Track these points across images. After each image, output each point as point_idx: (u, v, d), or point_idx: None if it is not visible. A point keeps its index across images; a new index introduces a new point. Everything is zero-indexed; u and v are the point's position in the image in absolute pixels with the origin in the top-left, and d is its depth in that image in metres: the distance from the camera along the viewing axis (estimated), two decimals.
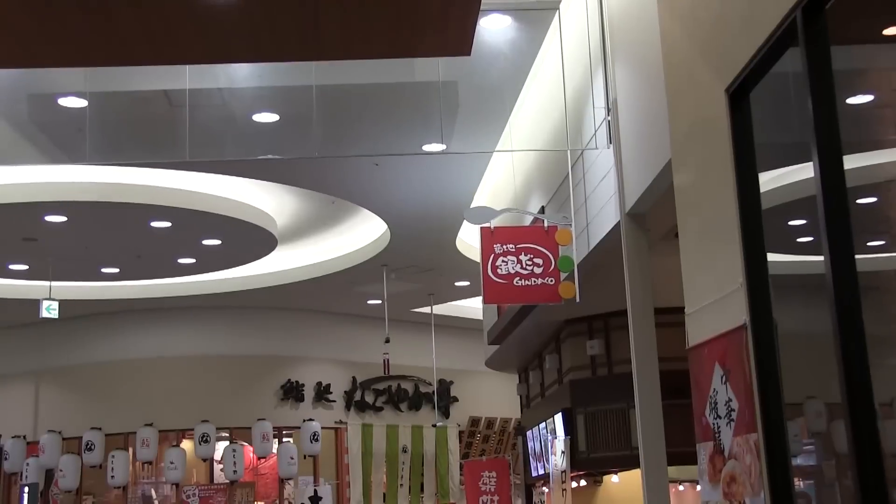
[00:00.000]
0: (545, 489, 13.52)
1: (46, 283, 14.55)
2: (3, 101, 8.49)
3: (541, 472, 13.53)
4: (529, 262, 8.60)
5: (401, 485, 19.08)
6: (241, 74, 8.15)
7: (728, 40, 4.32)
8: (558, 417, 12.25)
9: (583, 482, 13.61)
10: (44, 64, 6.71)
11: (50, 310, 14.12)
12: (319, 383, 18.56)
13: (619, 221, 7.37)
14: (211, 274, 15.91)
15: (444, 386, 19.86)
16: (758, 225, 4.17)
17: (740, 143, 4.26)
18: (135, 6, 5.36)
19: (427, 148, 9.24)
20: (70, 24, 5.54)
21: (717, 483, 4.38)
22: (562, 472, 12.02)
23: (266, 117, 8.76)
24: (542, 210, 9.59)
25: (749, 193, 4.19)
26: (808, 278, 4.05)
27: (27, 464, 17.13)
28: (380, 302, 16.37)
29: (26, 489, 16.79)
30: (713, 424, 4.43)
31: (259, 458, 17.84)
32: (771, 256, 4.13)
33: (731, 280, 4.25)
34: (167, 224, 12.68)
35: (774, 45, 3.88)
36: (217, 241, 13.64)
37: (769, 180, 4.19)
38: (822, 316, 3.52)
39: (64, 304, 14.76)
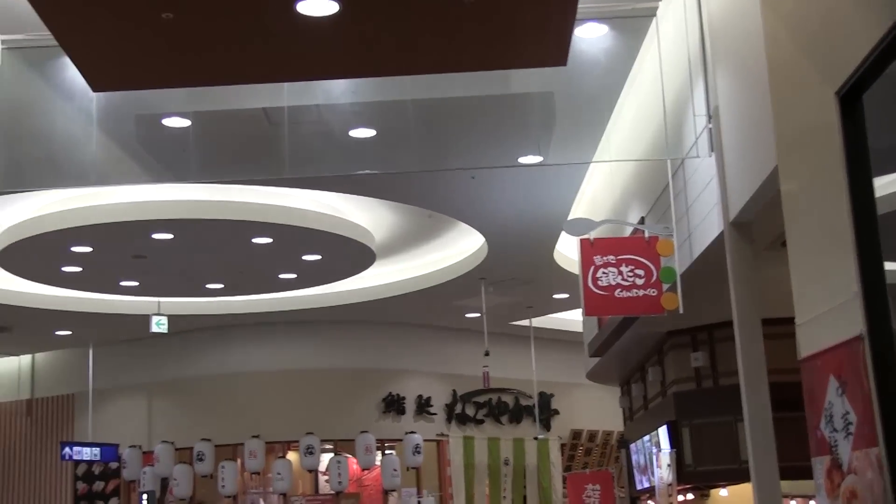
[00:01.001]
0: (650, 502, 13.33)
1: (156, 300, 14.86)
2: (112, 123, 8.67)
3: (646, 485, 13.34)
4: (630, 274, 8.50)
5: (504, 497, 19.01)
6: (337, 90, 8.20)
7: (838, 40, 4.19)
8: (662, 430, 12.06)
9: (689, 496, 13.38)
10: (149, 85, 6.85)
11: (160, 325, 14.44)
12: (420, 396, 18.61)
13: (722, 231, 7.23)
14: (312, 289, 16.07)
15: (545, 399, 19.74)
16: (873, 231, 4.02)
17: (853, 148, 4.12)
18: (235, 27, 5.44)
19: (524, 160, 9.19)
20: (173, 46, 5.65)
21: (835, 498, 4.24)
22: (668, 485, 11.83)
23: (363, 133, 8.81)
24: (642, 220, 9.46)
25: (863, 199, 4.05)
26: None
27: (144, 472, 17.71)
28: (478, 315, 16.34)
29: (144, 496, 17.40)
30: (829, 438, 4.30)
31: (363, 470, 17.96)
32: (888, 265, 3.99)
33: (845, 289, 4.11)
34: (268, 240, 12.84)
35: (890, 44, 3.73)
36: (317, 257, 13.77)
37: (884, 185, 4.05)
38: None
39: (172, 319, 15.08)
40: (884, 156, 4.11)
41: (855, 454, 4.06)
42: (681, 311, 8.21)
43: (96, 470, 18.97)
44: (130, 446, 18.16)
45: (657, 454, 12.35)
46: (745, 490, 7.47)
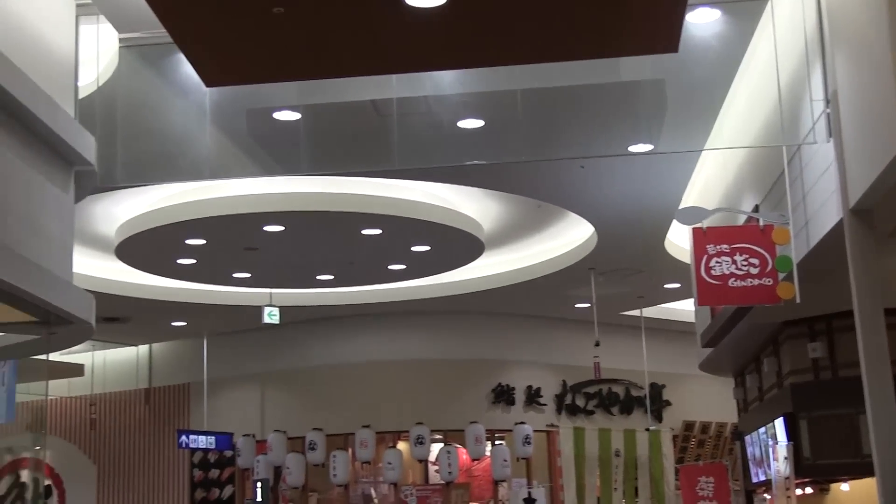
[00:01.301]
0: (767, 496, 13.08)
1: (268, 291, 15.11)
2: (224, 118, 8.83)
3: (762, 478, 13.09)
4: (745, 263, 8.35)
5: (615, 489, 18.82)
6: (446, 81, 8.21)
7: None
8: (779, 422, 11.81)
9: (808, 489, 13.10)
10: (260, 80, 6.95)
11: (272, 316, 14.67)
12: (530, 387, 18.57)
13: (841, 218, 7.04)
14: (421, 280, 16.15)
15: (656, 389, 19.53)
16: None
17: None
18: (344, 20, 5.47)
19: (634, 148, 9.07)
20: (284, 40, 5.72)
21: None
22: (785, 478, 11.59)
23: (472, 123, 8.81)
24: (757, 208, 9.27)
25: None
26: None
27: (257, 460, 18.03)
28: (588, 305, 16.23)
29: (258, 484, 17.68)
30: None
31: (472, 460, 18.01)
32: None
33: None
34: (378, 231, 12.94)
35: None
36: (426, 248, 13.83)
37: None
38: None
39: (284, 311, 15.31)
40: None
41: None
42: (797, 300, 8.04)
43: (211, 458, 19.40)
44: (244, 435, 18.52)
45: (773, 447, 12.11)
46: (868, 485, 7.28)
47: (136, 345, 20.23)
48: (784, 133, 8.07)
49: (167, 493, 20.03)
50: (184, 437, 17.93)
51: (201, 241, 13.10)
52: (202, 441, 18.21)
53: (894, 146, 5.39)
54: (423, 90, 8.26)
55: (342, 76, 7.01)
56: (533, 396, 18.56)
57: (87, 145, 7.98)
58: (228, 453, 18.93)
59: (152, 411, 20.42)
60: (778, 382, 12.39)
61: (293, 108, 8.67)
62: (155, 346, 20.48)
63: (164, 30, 5.65)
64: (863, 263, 6.89)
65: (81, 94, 8.50)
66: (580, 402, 19.07)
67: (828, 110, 7.27)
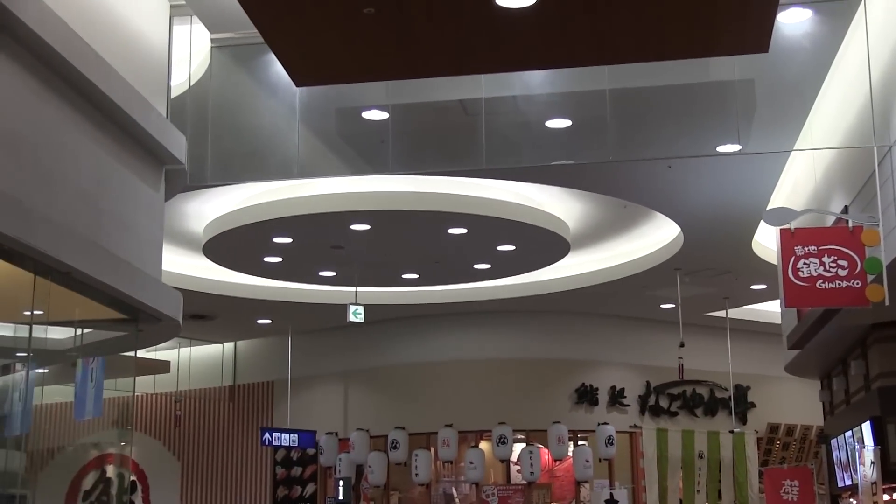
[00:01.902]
0: (853, 501, 12.89)
1: (352, 289, 15.28)
2: (314, 117, 9.00)
3: (848, 482, 12.91)
4: (833, 264, 8.27)
5: (697, 491, 18.69)
6: (534, 81, 8.27)
7: None
8: (866, 426, 11.64)
9: None
10: (349, 80, 7.08)
11: (356, 314, 14.81)
12: (613, 387, 18.50)
13: None
14: (506, 279, 16.20)
15: (741, 391, 19.32)
16: None
17: None
18: (434, 21, 5.56)
19: (722, 149, 9.04)
20: (374, 40, 5.82)
21: None
22: (872, 483, 11.42)
23: (559, 123, 8.85)
24: (846, 209, 9.16)
25: None
26: None
27: (340, 459, 18.17)
28: (673, 306, 16.14)
29: (340, 482, 17.80)
30: None
31: (555, 461, 18.00)
32: None
33: None
34: (463, 230, 13.01)
35: None
36: (511, 247, 13.87)
37: None
38: None
39: (369, 309, 15.45)
40: None
41: None
42: (887, 302, 7.94)
43: (294, 455, 19.59)
44: (327, 433, 18.66)
45: (860, 451, 11.94)
46: None
47: (221, 342, 20.53)
48: (875, 134, 7.98)
49: (250, 490, 20.30)
50: (267, 435, 18.14)
51: (288, 240, 13.29)
52: (285, 439, 18.39)
53: None
54: (511, 90, 8.33)
55: (431, 76, 7.12)
56: (616, 397, 18.49)
57: (178, 144, 8.19)
58: (311, 451, 19.09)
59: (236, 408, 20.71)
60: (865, 385, 12.21)
61: (381, 108, 8.79)
62: (240, 343, 20.78)
63: (255, 30, 5.80)
64: None
65: (174, 94, 8.72)
66: (664, 403, 18.95)
67: None
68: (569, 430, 17.55)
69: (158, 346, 15.60)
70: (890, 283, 7.96)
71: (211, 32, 8.47)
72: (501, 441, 17.29)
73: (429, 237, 13.41)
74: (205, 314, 17.33)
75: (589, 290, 16.15)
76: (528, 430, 17.91)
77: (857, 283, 8.17)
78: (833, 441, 13.74)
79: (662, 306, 17.11)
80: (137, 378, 13.91)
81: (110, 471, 13.23)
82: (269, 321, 18.30)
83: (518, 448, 17.75)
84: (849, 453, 12.68)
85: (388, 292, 16.79)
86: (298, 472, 19.63)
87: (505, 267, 15.14)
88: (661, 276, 15.19)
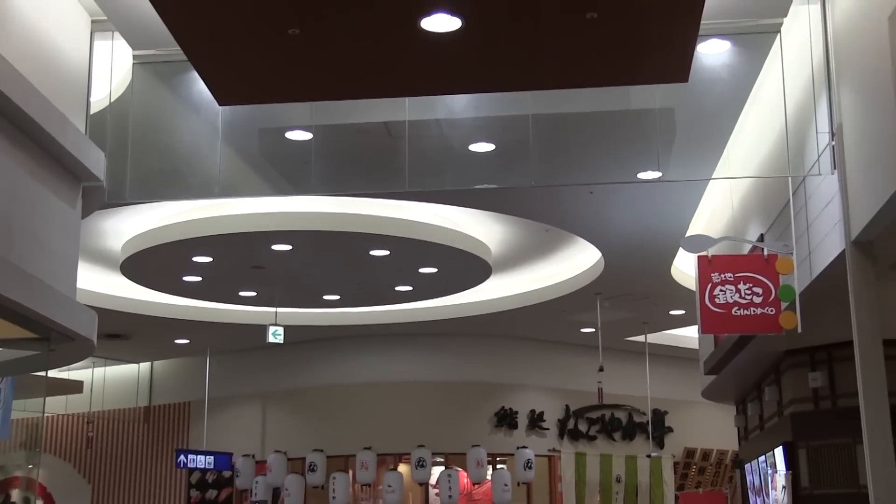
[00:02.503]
0: None
1: (273, 310, 15.16)
2: (236, 136, 8.91)
3: None
4: (748, 292, 8.42)
5: None
6: (458, 105, 8.30)
7: None
8: (779, 451, 11.86)
9: None
10: (274, 99, 7.04)
11: (276, 335, 14.70)
12: (533, 411, 18.59)
13: (843, 250, 7.11)
14: (427, 301, 16.21)
15: (659, 416, 19.55)
16: None
17: None
18: (359, 43, 5.57)
19: (642, 175, 9.16)
20: (298, 61, 5.81)
21: None
22: None
23: (483, 147, 8.89)
24: (762, 238, 9.35)
25: None
26: None
27: (256, 481, 17.95)
28: (593, 330, 16.28)
29: None
30: None
31: (473, 484, 18.00)
32: None
33: None
34: (386, 252, 13.01)
35: None
36: (433, 269, 13.90)
37: None
38: None
39: (289, 330, 15.35)
40: None
41: None
42: (799, 330, 8.11)
43: (210, 478, 19.30)
44: (244, 455, 18.44)
45: (773, 475, 12.14)
46: None
47: (137, 362, 20.21)
48: (790, 164, 8.15)
49: None
50: (182, 457, 17.86)
51: (208, 259, 13.17)
52: (201, 461, 18.14)
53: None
54: (435, 113, 8.35)
55: (356, 98, 7.11)
56: (536, 421, 18.58)
57: (96, 161, 8.05)
58: (227, 474, 18.86)
59: (151, 430, 20.37)
60: (779, 411, 12.43)
61: (305, 128, 8.75)
62: (156, 363, 20.46)
63: (178, 48, 5.74)
64: (863, 295, 6.96)
65: (93, 110, 8.59)
66: (583, 427, 19.08)
67: (833, 143, 7.35)
68: (488, 454, 17.58)
69: (71, 365, 15.31)
70: (802, 310, 8.12)
71: (133, 49, 8.36)
72: (420, 464, 17.25)
73: (351, 258, 13.38)
74: (121, 333, 17.07)
75: (510, 313, 16.23)
76: (447, 454, 17.90)
77: (772, 311, 8.32)
78: (747, 466, 13.96)
79: (582, 330, 17.25)
80: (48, 398, 13.62)
81: (15, 495, 12.93)
82: (187, 341, 18.08)
83: (437, 471, 17.73)
84: (762, 477, 12.89)
85: (309, 313, 16.70)
86: (213, 494, 19.34)
87: (427, 289, 15.16)
88: (581, 301, 15.32)
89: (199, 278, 14.09)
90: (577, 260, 14.55)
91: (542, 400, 18.72)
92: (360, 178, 9.47)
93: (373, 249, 12.90)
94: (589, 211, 11.65)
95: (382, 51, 5.68)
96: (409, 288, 14.97)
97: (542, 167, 8.76)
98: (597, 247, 13.12)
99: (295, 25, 5.35)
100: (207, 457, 18.22)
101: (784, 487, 11.54)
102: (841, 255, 7.21)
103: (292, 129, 8.82)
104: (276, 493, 18.03)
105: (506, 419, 18.32)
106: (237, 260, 13.32)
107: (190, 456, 17.96)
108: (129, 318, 15.92)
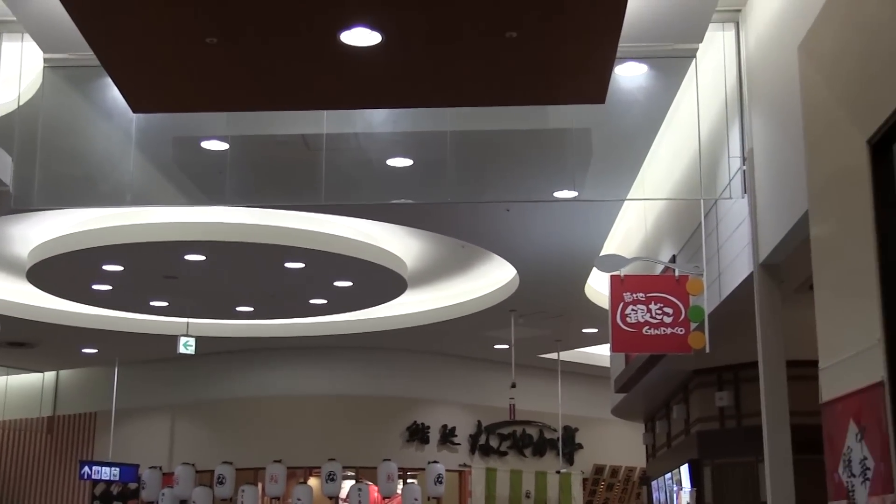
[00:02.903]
0: None
1: (184, 320, 14.96)
2: (150, 144, 8.78)
3: None
4: (659, 312, 8.53)
5: None
6: (376, 120, 8.29)
7: (871, 89, 4.24)
8: (684, 468, 12.03)
9: None
10: (189, 109, 6.96)
11: (187, 346, 14.52)
12: (445, 426, 18.62)
13: (752, 272, 7.26)
14: (342, 315, 16.15)
15: (569, 432, 19.70)
16: None
17: (881, 195, 4.17)
18: (277, 54, 5.54)
19: (558, 194, 9.24)
20: (215, 71, 5.76)
21: None
22: None
23: (400, 162, 8.88)
24: (674, 259, 9.49)
25: (890, 245, 4.09)
26: None
27: (163, 494, 17.67)
28: (507, 347, 16.37)
29: None
30: (847, 483, 4.31)
31: (384, 499, 17.93)
32: None
33: (869, 335, 4.15)
34: (301, 265, 12.93)
35: None
36: (349, 283, 13.86)
37: None
38: None
39: (200, 341, 15.17)
40: None
41: (871, 500, 4.08)
42: (707, 350, 8.23)
43: (115, 490, 18.95)
44: (150, 467, 18.12)
45: (678, 492, 12.32)
46: None
47: (41, 371, 19.77)
48: (702, 187, 8.29)
49: None
50: (86, 468, 17.52)
51: (119, 268, 12.96)
52: (105, 472, 17.82)
53: (803, 205, 5.60)
54: (353, 127, 8.32)
55: (273, 109, 7.06)
56: (447, 436, 18.60)
57: (2, 165, 7.89)
58: (133, 486, 18.54)
59: (54, 441, 19.95)
60: (686, 429, 12.61)
61: (221, 138, 8.66)
62: (62, 372, 20.07)
63: (92, 52, 5.64)
64: (769, 317, 7.11)
65: (0, 113, 8.41)
66: (494, 442, 19.15)
67: (744, 167, 7.50)
68: (399, 468, 17.54)
69: None
70: (711, 331, 8.26)
71: (44, 52, 8.19)
72: (331, 478, 17.14)
73: (265, 270, 13.28)
74: (25, 341, 16.70)
75: (424, 328, 16.24)
76: (358, 467, 17.83)
77: (681, 331, 8.45)
78: (654, 482, 14.14)
79: (496, 347, 17.33)
80: None
81: None
82: (94, 350, 17.76)
83: (347, 485, 17.64)
84: (668, 494, 13.06)
85: (222, 325, 16.52)
86: None
87: (341, 303, 15.10)
88: (495, 317, 15.39)
89: (108, 287, 13.86)
90: (493, 277, 14.62)
91: (455, 415, 18.75)
92: (276, 189, 9.40)
93: (287, 262, 12.82)
94: (505, 228, 11.72)
95: (301, 63, 5.65)
96: (324, 301, 14.90)
97: (460, 184, 8.79)
98: (512, 264, 13.21)
99: (212, 34, 5.30)
100: (113, 468, 17.91)
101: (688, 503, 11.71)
102: (749, 278, 7.35)
103: (208, 138, 8.72)
104: None
105: (417, 434, 18.32)
106: (149, 269, 13.14)
107: (94, 467, 17.64)
108: (34, 326, 15.60)
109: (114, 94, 7.00)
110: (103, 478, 17.97)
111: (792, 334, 7.19)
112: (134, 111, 6.72)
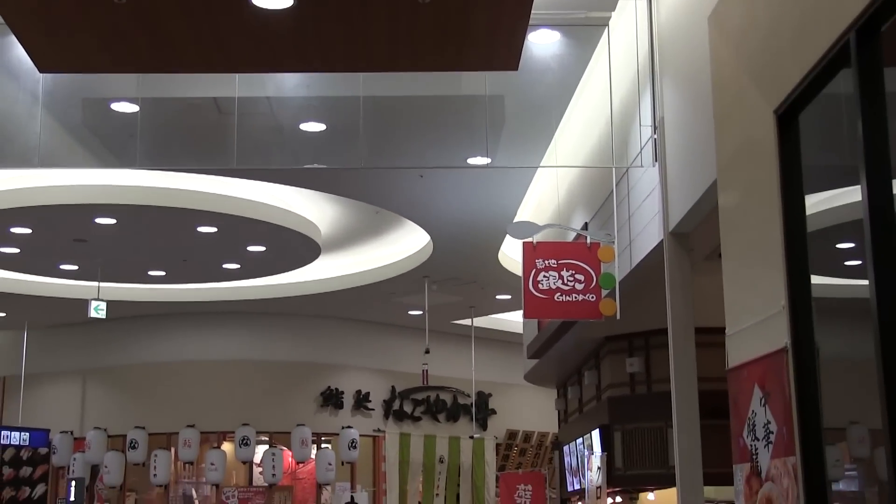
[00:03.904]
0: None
1: (95, 284, 14.75)
2: (58, 106, 8.61)
3: (576, 487, 13.50)
4: (571, 278, 8.61)
5: (436, 494, 19.10)
6: (289, 84, 8.22)
7: (778, 61, 4.31)
8: (595, 433, 12.22)
9: (618, 499, 13.54)
10: (98, 69, 6.82)
11: (98, 310, 14.30)
12: (359, 391, 18.65)
13: (661, 240, 7.35)
14: (255, 280, 16.04)
15: (483, 398, 19.87)
16: (802, 247, 4.15)
17: (787, 166, 4.24)
18: (188, 15, 5.44)
19: (472, 161, 9.28)
20: (124, 30, 5.64)
21: None
22: (597, 487, 11.98)
23: (313, 127, 8.84)
24: (586, 226, 9.58)
25: (794, 215, 4.18)
26: (853, 302, 4.02)
27: (74, 459, 17.51)
28: (420, 313, 16.42)
29: (73, 483, 17.19)
30: (751, 446, 4.42)
31: (298, 463, 17.96)
32: (815, 279, 4.12)
33: (774, 302, 4.23)
34: (213, 229, 12.80)
35: (826, 66, 3.86)
36: (262, 248, 13.76)
37: (816, 203, 4.18)
38: (866, 340, 3.50)
39: (112, 305, 14.96)
40: (816, 174, 4.24)
41: (774, 462, 4.19)
42: (618, 317, 8.34)
43: (24, 455, 18.69)
44: (61, 432, 17.97)
45: (589, 457, 12.51)
46: (672, 494, 7.62)
47: None
48: (614, 155, 8.37)
49: None
50: None
51: (27, 230, 12.71)
52: (15, 437, 17.59)
53: (711, 175, 5.68)
54: (266, 91, 8.25)
55: (183, 72, 6.95)
56: (361, 401, 18.64)
57: None
58: (43, 451, 18.31)
59: None
60: (597, 395, 12.79)
61: (132, 100, 8.53)
62: None
63: None
64: (678, 284, 7.22)
65: None
66: (408, 408, 19.24)
67: (655, 136, 7.58)
68: (313, 433, 17.56)
69: None
70: (622, 298, 8.37)
71: None
72: (244, 442, 17.10)
73: (177, 234, 13.13)
74: None
75: (338, 294, 16.22)
76: (272, 433, 17.80)
77: (592, 297, 8.54)
78: (566, 448, 14.34)
79: (410, 313, 17.37)
80: None
81: None
82: (3, 314, 17.43)
83: (261, 450, 17.61)
84: (578, 459, 13.26)
85: (133, 289, 16.31)
86: (28, 472, 18.72)
87: (254, 268, 15.00)
88: (409, 283, 15.42)
89: (16, 250, 13.60)
90: (406, 243, 14.63)
91: (368, 381, 18.79)
92: (187, 153, 9.30)
93: (200, 226, 12.68)
94: (419, 194, 11.72)
95: (211, 24, 5.56)
96: (237, 266, 14.79)
97: (373, 149, 8.78)
98: (426, 230, 13.22)
99: None
100: (23, 433, 17.68)
101: (599, 468, 11.90)
102: (659, 246, 7.45)
103: (118, 100, 8.58)
104: (95, 470, 17.61)
105: (331, 399, 18.32)
106: (58, 232, 12.90)
107: (4, 432, 17.41)
108: None
109: (19, 52, 6.83)
110: (13, 443, 17.74)
111: (701, 302, 7.31)
112: (40, 71, 6.56)
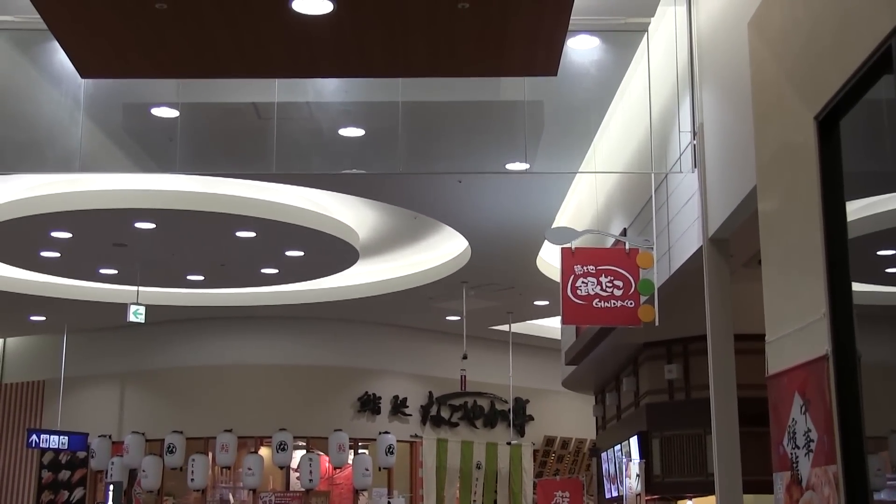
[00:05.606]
0: None
1: (134, 288, 14.86)
2: (99, 111, 8.68)
3: (614, 494, 13.43)
4: (609, 284, 8.57)
5: (474, 501, 19.07)
6: (328, 89, 8.24)
7: (819, 66, 4.28)
8: (633, 440, 12.15)
9: None
10: (139, 75, 6.87)
11: (137, 314, 14.41)
12: (396, 397, 18.65)
13: (701, 246, 7.31)
14: (293, 285, 16.10)
15: (520, 404, 19.82)
16: (843, 254, 4.11)
17: (828, 171, 4.20)
18: (229, 21, 5.48)
19: (510, 167, 9.25)
20: (166, 37, 5.69)
21: None
22: (636, 495, 11.91)
23: (352, 132, 8.85)
24: (624, 232, 9.54)
25: (835, 222, 4.14)
26: (894, 309, 3.98)
27: (112, 463, 17.64)
28: (458, 318, 16.41)
29: (111, 487, 17.28)
30: (791, 454, 4.37)
31: (334, 469, 17.99)
32: (856, 286, 4.07)
33: (814, 309, 4.19)
34: (252, 234, 12.86)
35: (867, 72, 3.82)
36: (300, 253, 13.80)
37: (857, 209, 4.14)
38: None
39: (150, 310, 15.06)
40: (857, 180, 4.20)
41: (814, 471, 4.15)
42: (657, 323, 8.29)
43: (63, 458, 18.86)
44: (100, 436, 18.10)
45: (627, 464, 12.44)
46: (711, 502, 7.57)
47: None
48: (653, 161, 8.33)
49: (11, 494, 19.32)
50: (34, 437, 17.39)
51: (67, 235, 12.83)
52: (54, 441, 17.71)
53: (751, 180, 5.64)
54: (305, 96, 8.27)
55: (223, 77, 7.00)
56: (399, 406, 18.65)
57: None
58: (82, 454, 18.45)
59: (2, 409, 19.74)
60: (635, 402, 12.73)
61: (171, 105, 8.58)
62: (10, 340, 19.87)
63: (38, 16, 5.55)
64: (717, 290, 7.16)
65: None
66: (445, 413, 19.23)
67: (694, 142, 7.54)
68: (350, 438, 17.60)
69: None
70: (661, 304, 8.32)
71: None
72: (281, 447, 17.16)
73: (216, 239, 13.20)
74: None
75: (376, 299, 16.24)
76: (309, 437, 17.86)
77: (631, 304, 8.50)
78: (603, 454, 14.27)
79: (448, 318, 17.36)
80: None
81: None
82: (43, 318, 17.58)
83: (298, 455, 17.67)
84: (616, 466, 13.19)
85: (172, 293, 16.42)
86: (67, 475, 18.90)
87: (293, 272, 15.05)
88: (447, 289, 15.42)
89: (57, 254, 13.72)
90: (445, 248, 14.63)
91: (406, 386, 18.80)
92: (226, 158, 9.34)
93: (238, 230, 12.75)
94: (457, 200, 11.72)
95: (252, 30, 5.60)
96: (275, 271, 14.85)
97: (411, 154, 8.77)
98: (464, 236, 13.22)
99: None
100: (62, 437, 17.80)
101: (637, 475, 11.83)
102: (698, 252, 7.40)
103: (158, 105, 8.63)
104: (133, 474, 17.73)
105: (369, 404, 18.34)
106: (98, 236, 13.01)
107: (42, 436, 17.52)
108: None
109: (62, 58, 6.90)
110: (52, 446, 17.88)
111: (740, 308, 7.25)
112: (82, 76, 6.63)
